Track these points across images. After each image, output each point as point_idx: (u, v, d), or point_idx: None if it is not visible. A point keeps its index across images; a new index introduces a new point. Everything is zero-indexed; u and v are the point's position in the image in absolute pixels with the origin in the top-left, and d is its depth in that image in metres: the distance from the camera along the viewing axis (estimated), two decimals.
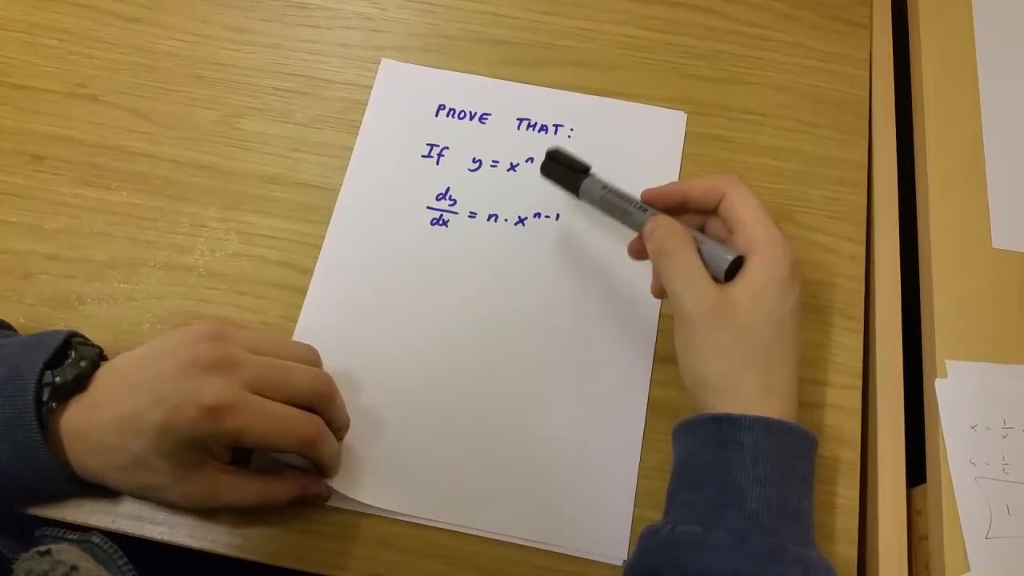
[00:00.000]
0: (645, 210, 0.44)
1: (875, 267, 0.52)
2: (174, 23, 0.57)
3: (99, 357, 0.43)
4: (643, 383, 0.49)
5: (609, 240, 0.52)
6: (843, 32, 0.59)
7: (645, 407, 0.48)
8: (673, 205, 0.45)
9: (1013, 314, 0.49)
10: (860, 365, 0.50)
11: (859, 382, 0.50)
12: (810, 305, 0.51)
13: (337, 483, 0.45)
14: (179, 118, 0.55)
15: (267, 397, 0.40)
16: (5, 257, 0.50)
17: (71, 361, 0.41)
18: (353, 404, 0.46)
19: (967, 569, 0.43)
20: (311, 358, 0.45)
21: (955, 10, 0.59)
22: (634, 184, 0.54)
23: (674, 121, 0.56)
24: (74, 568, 0.35)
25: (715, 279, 0.41)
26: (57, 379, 0.40)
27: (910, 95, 0.57)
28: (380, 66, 0.56)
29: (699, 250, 0.42)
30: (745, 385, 0.39)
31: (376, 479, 0.46)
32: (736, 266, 0.41)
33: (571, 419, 0.48)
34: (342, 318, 0.49)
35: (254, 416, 0.39)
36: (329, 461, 0.44)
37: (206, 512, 0.44)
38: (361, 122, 0.55)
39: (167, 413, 0.38)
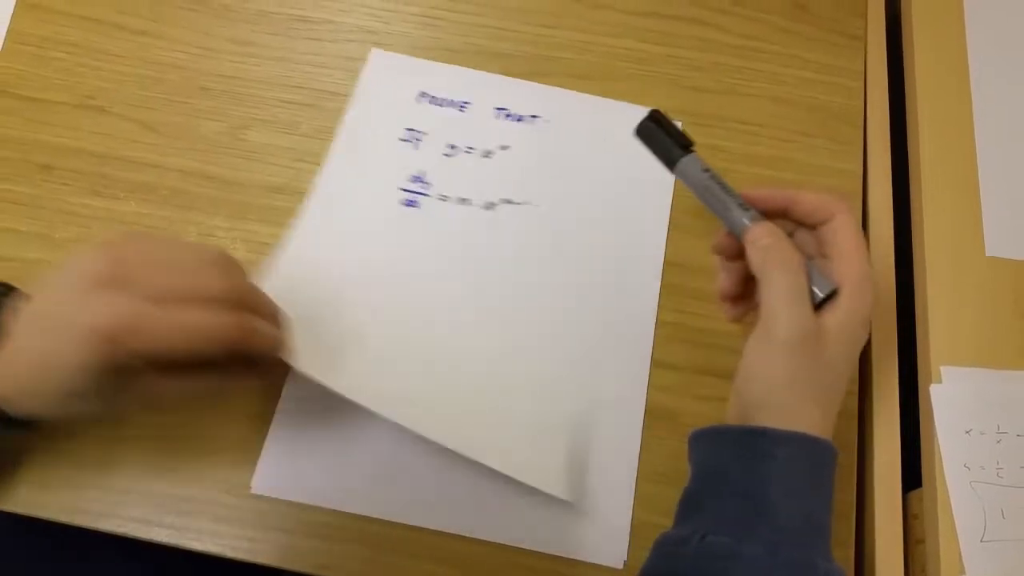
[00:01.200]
0: (747, 209, 0.42)
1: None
2: (180, 36, 0.58)
3: (6, 298, 0.41)
4: (640, 388, 0.49)
5: (596, 233, 0.53)
6: (838, 44, 0.60)
7: (643, 411, 0.49)
8: (775, 210, 0.44)
9: (1006, 321, 0.50)
10: (857, 371, 0.51)
11: (856, 387, 0.50)
12: None
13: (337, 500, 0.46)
14: (185, 129, 0.56)
15: (176, 305, 0.37)
16: (15, 265, 0.51)
17: None
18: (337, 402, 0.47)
19: (962, 572, 0.44)
20: (220, 259, 0.41)
21: (949, 23, 0.60)
22: (623, 178, 0.55)
23: None
24: None
25: None
26: None
27: (904, 106, 0.58)
28: (370, 54, 0.58)
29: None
30: (806, 413, 0.39)
31: (364, 484, 0.46)
32: (829, 296, 0.40)
33: (569, 422, 0.48)
34: (311, 299, 0.50)
35: (161, 331, 0.37)
36: (269, 351, 0.42)
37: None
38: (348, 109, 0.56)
39: (77, 349, 0.36)
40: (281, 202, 0.54)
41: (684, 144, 0.45)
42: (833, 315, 0.40)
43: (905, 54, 0.60)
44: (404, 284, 0.51)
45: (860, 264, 0.41)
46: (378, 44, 0.59)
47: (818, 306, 0.40)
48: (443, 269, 0.52)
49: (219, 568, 0.47)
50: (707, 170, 0.44)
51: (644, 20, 0.60)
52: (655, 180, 0.55)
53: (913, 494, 0.48)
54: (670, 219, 0.54)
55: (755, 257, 0.41)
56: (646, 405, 0.49)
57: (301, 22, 0.59)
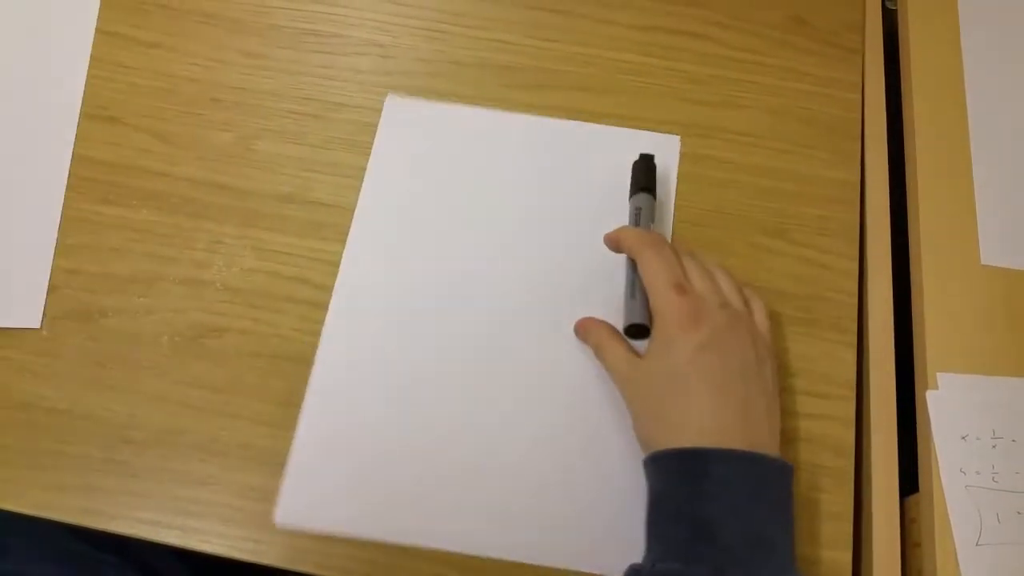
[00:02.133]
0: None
1: (868, 282, 0.54)
2: (192, 48, 0.60)
3: None
4: None
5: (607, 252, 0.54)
6: (836, 57, 0.61)
7: None
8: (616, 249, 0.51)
9: (1001, 328, 0.51)
10: (854, 377, 0.52)
11: (853, 393, 0.51)
12: (805, 319, 0.53)
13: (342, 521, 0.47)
14: (196, 139, 0.57)
15: None
16: None
17: None
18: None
19: (959, 575, 0.44)
20: None
21: (944, 36, 0.61)
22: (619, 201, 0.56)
23: (669, 145, 0.58)
24: None
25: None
26: None
27: (901, 117, 0.60)
28: (385, 102, 0.58)
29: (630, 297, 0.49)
30: (738, 433, 0.42)
31: (375, 507, 0.47)
32: (638, 331, 0.48)
33: (569, 436, 0.49)
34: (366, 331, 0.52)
35: None
36: None
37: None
38: (371, 143, 0.57)
39: None
40: (290, 211, 0.55)
41: (645, 187, 0.53)
42: (646, 349, 0.46)
43: (902, 67, 0.61)
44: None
45: (651, 296, 0.46)
46: (385, 57, 0.60)
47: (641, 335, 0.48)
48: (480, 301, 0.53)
49: (222, 568, 0.48)
50: (637, 210, 0.53)
51: (645, 34, 0.61)
52: (658, 184, 0.56)
53: (910, 499, 0.48)
54: (681, 230, 0.55)
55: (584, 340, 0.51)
56: None
57: (311, 35, 0.61)
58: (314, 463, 0.48)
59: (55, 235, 0.53)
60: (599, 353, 0.49)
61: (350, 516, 0.46)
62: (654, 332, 0.46)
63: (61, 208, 0.54)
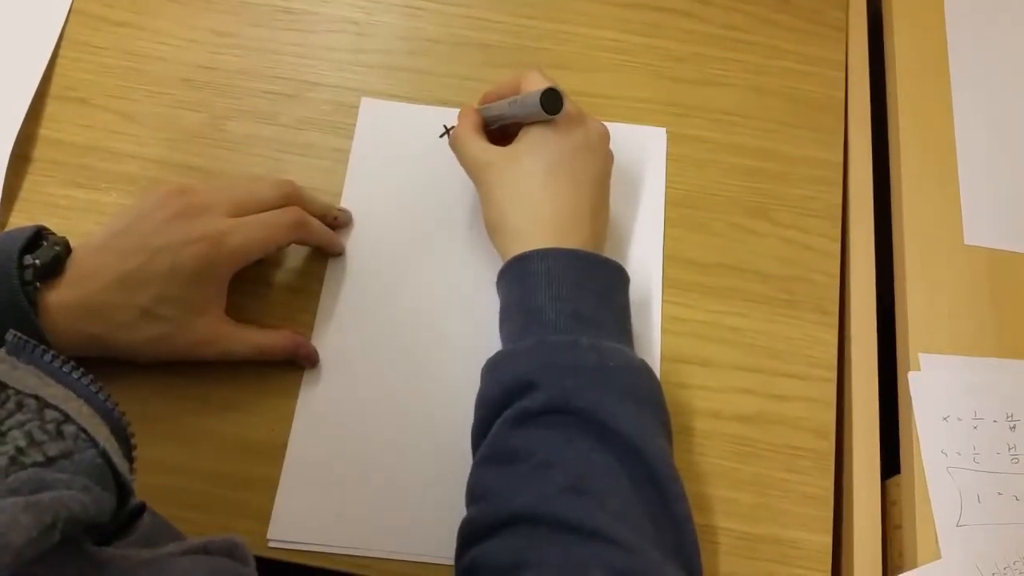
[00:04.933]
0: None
1: (850, 263, 0.54)
2: (161, 27, 0.58)
3: (67, 244, 0.45)
4: None
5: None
6: (819, 35, 0.60)
7: None
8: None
9: (984, 309, 0.51)
10: (835, 359, 0.51)
11: (834, 375, 0.51)
12: (787, 301, 0.52)
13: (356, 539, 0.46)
14: (167, 120, 0.55)
15: (247, 214, 0.46)
16: None
17: (46, 246, 0.43)
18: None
19: (939, 556, 0.44)
20: (266, 177, 0.51)
21: (928, 14, 0.60)
22: (621, 203, 0.54)
23: (655, 138, 0.57)
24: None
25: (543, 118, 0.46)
26: (37, 262, 0.42)
27: (885, 96, 0.59)
28: (360, 106, 0.56)
29: (514, 109, 0.48)
30: (523, 224, 0.45)
31: (384, 523, 0.46)
32: (549, 98, 0.45)
33: None
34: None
35: (247, 230, 0.45)
36: (325, 238, 0.50)
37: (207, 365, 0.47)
38: (345, 124, 0.56)
39: (171, 258, 0.43)
40: None
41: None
42: (516, 138, 0.48)
43: (886, 45, 0.60)
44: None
45: (534, 85, 0.46)
46: (360, 35, 0.59)
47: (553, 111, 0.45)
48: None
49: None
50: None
51: (626, 11, 0.60)
52: (647, 178, 0.55)
53: (891, 481, 0.48)
54: (665, 214, 0.54)
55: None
56: None
57: (284, 13, 0.59)
58: (304, 481, 0.47)
59: None
60: (455, 141, 0.50)
61: (340, 533, 0.46)
62: (528, 126, 0.47)
63: (1, 190, 0.52)
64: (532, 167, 0.46)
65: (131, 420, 0.46)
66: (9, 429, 0.27)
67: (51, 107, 0.56)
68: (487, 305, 0.49)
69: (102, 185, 0.54)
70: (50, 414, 0.28)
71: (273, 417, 0.48)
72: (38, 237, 0.44)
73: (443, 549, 0.45)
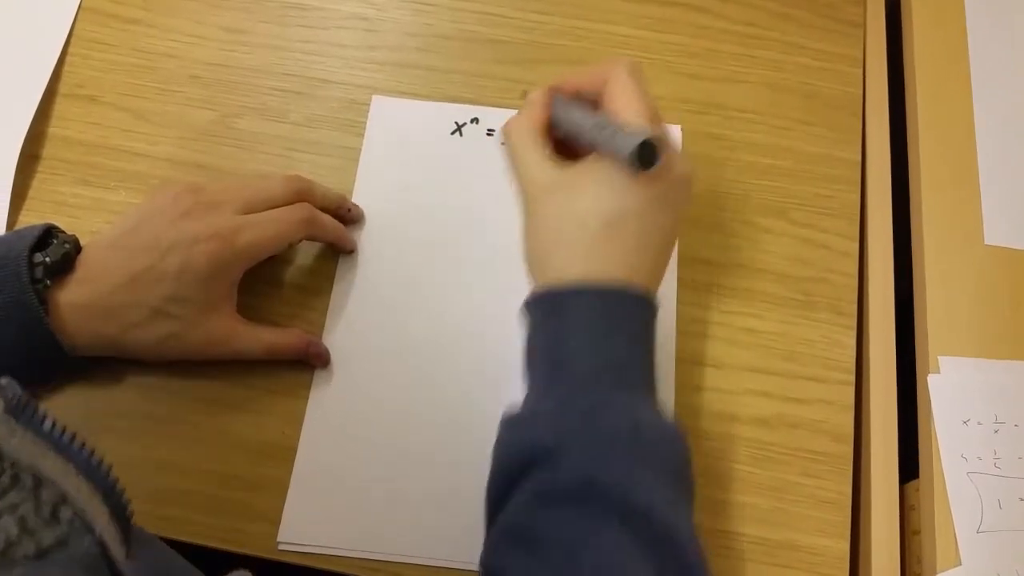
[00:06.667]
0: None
1: (868, 263, 0.53)
2: (171, 24, 0.58)
3: (77, 242, 0.45)
4: (668, 389, 0.48)
5: None
6: (836, 31, 0.59)
7: (672, 411, 0.48)
8: (574, 97, 0.43)
9: (1005, 310, 0.50)
10: (853, 361, 0.50)
11: (852, 378, 0.50)
12: (804, 302, 0.51)
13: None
14: (176, 118, 0.55)
15: (257, 211, 0.46)
16: None
17: (56, 244, 0.43)
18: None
19: (959, 563, 0.43)
20: (277, 174, 0.49)
21: (948, 9, 0.59)
22: None
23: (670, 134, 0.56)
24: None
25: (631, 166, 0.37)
26: (47, 259, 0.42)
27: (903, 93, 0.58)
28: (372, 103, 0.56)
29: (597, 134, 0.39)
30: (567, 266, 0.39)
31: (390, 526, 0.46)
32: (645, 152, 0.36)
33: None
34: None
35: (257, 227, 0.45)
36: (336, 234, 0.49)
37: (217, 363, 0.47)
38: (356, 121, 0.55)
39: (182, 256, 0.43)
40: None
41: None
42: (585, 163, 0.40)
43: (904, 41, 0.59)
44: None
45: (629, 116, 0.39)
46: (370, 31, 0.58)
47: (647, 165, 0.37)
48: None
49: (213, 561, 0.47)
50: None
51: (640, 6, 0.59)
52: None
53: (910, 485, 0.47)
54: None
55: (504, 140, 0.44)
56: (675, 407, 0.48)
57: (293, 9, 0.59)
58: (314, 483, 0.46)
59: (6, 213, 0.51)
60: (509, 145, 0.42)
61: (350, 535, 0.45)
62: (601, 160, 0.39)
63: (10, 188, 0.52)
64: (597, 209, 0.38)
65: (140, 420, 0.47)
66: (1, 514, 0.25)
67: (60, 105, 0.55)
68: (501, 304, 0.48)
69: (111, 183, 0.53)
70: (46, 494, 0.26)
71: (284, 418, 0.47)
72: (48, 235, 0.43)
73: (455, 553, 0.45)
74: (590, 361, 0.37)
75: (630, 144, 0.36)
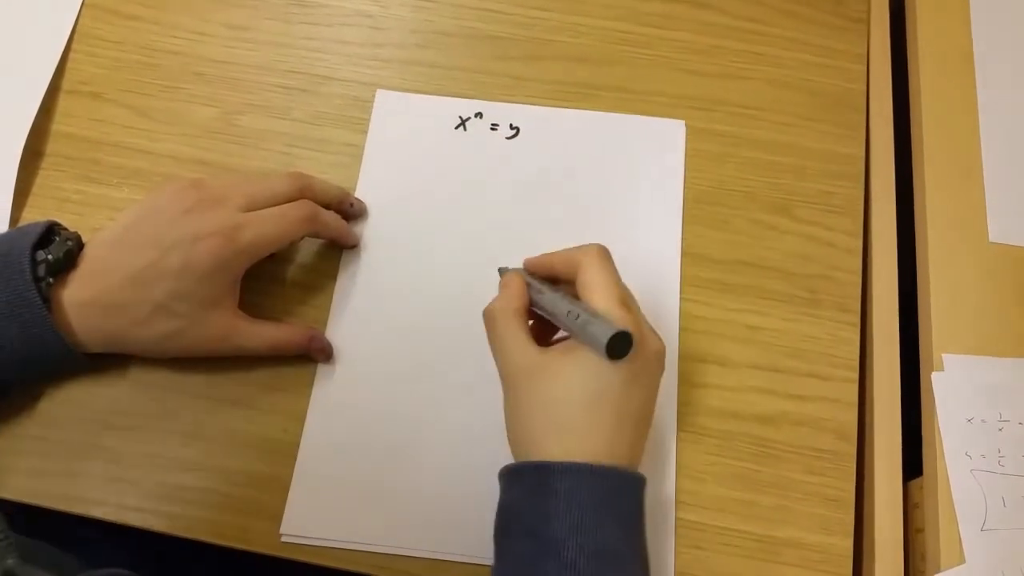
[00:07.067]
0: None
1: (872, 261, 0.52)
2: (175, 21, 0.58)
3: (79, 239, 0.45)
4: (671, 386, 0.48)
5: (609, 230, 0.52)
6: (840, 27, 0.59)
7: (675, 411, 0.48)
8: (546, 278, 0.44)
9: (1009, 308, 0.49)
10: (857, 358, 0.50)
11: (856, 375, 0.50)
12: (807, 299, 0.51)
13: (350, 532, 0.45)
14: (179, 115, 0.55)
15: (260, 208, 0.46)
16: None
17: (58, 241, 0.43)
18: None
19: (962, 561, 0.43)
20: (279, 171, 0.50)
21: (952, 5, 0.59)
22: (639, 199, 0.54)
23: (674, 131, 0.56)
24: None
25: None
26: (49, 257, 0.42)
27: (907, 90, 0.57)
28: (376, 97, 0.56)
29: (572, 323, 0.40)
30: (548, 444, 0.39)
31: (396, 518, 0.46)
32: (617, 343, 0.38)
33: None
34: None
35: (260, 224, 0.45)
36: (338, 231, 0.49)
37: (218, 359, 0.47)
38: (359, 119, 0.55)
39: (184, 253, 0.43)
40: None
41: None
42: (564, 346, 0.40)
43: (908, 37, 0.59)
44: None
45: (602, 307, 0.40)
46: (374, 28, 0.58)
47: (616, 356, 0.38)
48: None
49: (217, 557, 0.47)
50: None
51: (642, 3, 0.59)
52: (666, 173, 0.54)
53: (913, 483, 0.47)
54: (683, 210, 0.53)
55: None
56: (678, 404, 0.48)
57: (297, 6, 0.59)
58: (317, 477, 0.46)
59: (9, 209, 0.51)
60: (490, 327, 0.43)
61: (353, 528, 0.45)
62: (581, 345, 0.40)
63: (13, 185, 0.52)
64: (573, 393, 0.39)
65: (142, 417, 0.47)
66: None
67: (63, 102, 0.55)
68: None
69: (114, 180, 0.53)
70: None
71: (286, 415, 0.47)
72: (50, 232, 0.43)
73: (456, 546, 0.45)
74: (584, 543, 0.37)
75: (603, 336, 0.38)
